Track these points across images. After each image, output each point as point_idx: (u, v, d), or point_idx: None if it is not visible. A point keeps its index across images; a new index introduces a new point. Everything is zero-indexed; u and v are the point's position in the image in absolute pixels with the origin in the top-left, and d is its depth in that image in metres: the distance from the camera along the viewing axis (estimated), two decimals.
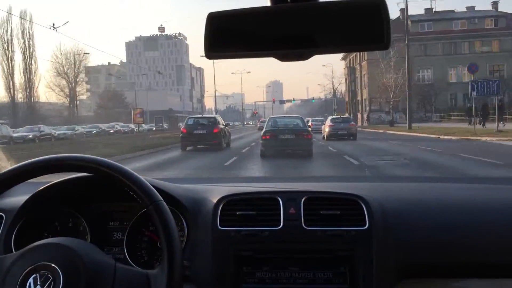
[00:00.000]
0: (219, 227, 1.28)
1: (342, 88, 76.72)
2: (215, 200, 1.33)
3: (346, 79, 59.83)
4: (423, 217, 1.33)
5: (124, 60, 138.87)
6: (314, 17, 0.88)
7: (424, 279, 1.28)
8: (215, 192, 1.39)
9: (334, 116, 26.48)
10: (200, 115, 23.16)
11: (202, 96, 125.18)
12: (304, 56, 0.94)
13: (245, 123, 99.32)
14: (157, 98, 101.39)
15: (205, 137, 17.47)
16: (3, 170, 1.07)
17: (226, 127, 19.86)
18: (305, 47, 0.91)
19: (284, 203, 1.30)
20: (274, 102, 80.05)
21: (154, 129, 55.90)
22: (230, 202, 1.32)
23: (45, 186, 1.30)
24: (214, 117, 19.61)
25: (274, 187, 1.50)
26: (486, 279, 1.27)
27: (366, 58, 50.56)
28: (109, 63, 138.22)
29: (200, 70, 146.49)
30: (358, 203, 1.29)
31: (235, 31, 0.93)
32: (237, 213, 1.29)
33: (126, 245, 1.35)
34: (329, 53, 0.93)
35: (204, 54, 0.92)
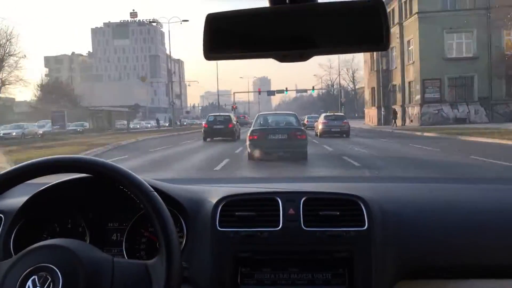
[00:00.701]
0: (218, 228, 1.28)
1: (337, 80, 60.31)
2: (214, 201, 1.33)
3: (371, 56, 39.54)
4: (422, 218, 1.33)
5: (90, 49, 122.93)
6: (313, 18, 0.89)
7: (422, 280, 1.28)
8: (214, 193, 1.39)
9: (327, 114, 25.93)
10: (218, 113, 25.44)
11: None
12: (303, 57, 0.94)
13: None
14: (120, 91, 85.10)
15: (222, 130, 21.92)
16: (3, 171, 1.06)
17: (237, 123, 24.53)
18: (305, 48, 0.91)
19: (284, 204, 1.30)
20: (260, 93, 58.04)
21: (51, 130, 38.24)
22: (229, 203, 1.32)
23: (44, 187, 1.30)
24: (229, 115, 23.89)
25: (273, 187, 1.49)
26: (485, 280, 1.27)
27: (417, 9, 30.25)
28: (72, 52, 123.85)
29: (179, 62, 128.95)
30: (358, 204, 1.29)
31: (234, 32, 0.93)
32: (236, 214, 1.29)
33: (125, 246, 1.36)
34: (329, 53, 0.94)
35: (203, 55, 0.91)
